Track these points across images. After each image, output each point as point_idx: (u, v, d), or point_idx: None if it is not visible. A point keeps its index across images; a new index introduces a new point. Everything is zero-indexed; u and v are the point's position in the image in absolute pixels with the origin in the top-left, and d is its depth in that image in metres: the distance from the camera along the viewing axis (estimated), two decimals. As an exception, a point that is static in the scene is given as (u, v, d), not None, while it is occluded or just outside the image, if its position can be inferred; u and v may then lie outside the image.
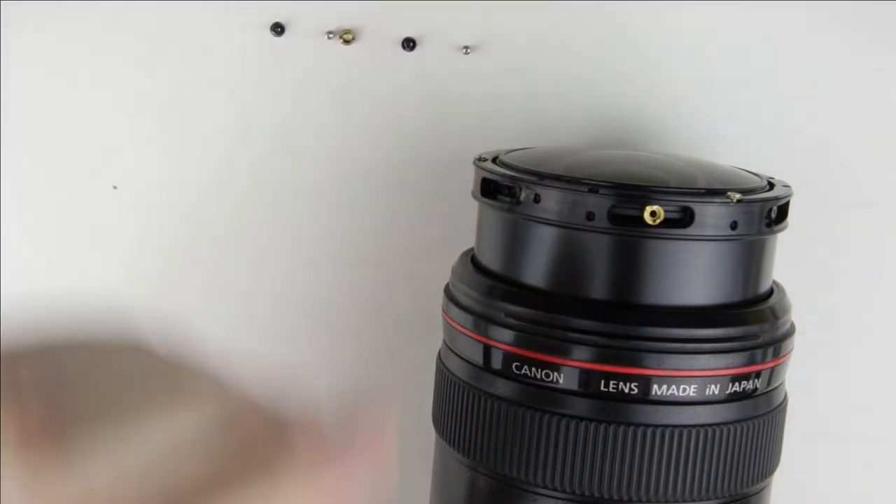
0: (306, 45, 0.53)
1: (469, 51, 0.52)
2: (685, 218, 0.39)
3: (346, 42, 0.52)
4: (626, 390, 0.39)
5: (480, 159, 0.44)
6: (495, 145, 0.50)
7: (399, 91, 0.53)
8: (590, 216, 0.39)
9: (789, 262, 0.45)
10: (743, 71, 0.52)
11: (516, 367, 0.40)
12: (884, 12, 0.51)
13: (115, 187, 0.53)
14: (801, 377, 0.44)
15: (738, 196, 0.40)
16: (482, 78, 0.53)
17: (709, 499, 0.40)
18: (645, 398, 0.39)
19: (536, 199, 0.40)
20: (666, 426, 0.39)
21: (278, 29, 0.52)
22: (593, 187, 0.39)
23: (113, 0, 0.52)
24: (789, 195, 0.43)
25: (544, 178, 0.40)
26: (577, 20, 0.52)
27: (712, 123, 0.52)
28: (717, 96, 0.52)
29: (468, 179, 0.51)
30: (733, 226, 0.40)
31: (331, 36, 0.52)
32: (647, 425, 0.39)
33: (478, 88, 0.53)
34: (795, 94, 0.52)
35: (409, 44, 0.52)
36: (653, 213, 0.38)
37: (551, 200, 0.40)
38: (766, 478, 0.42)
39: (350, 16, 0.52)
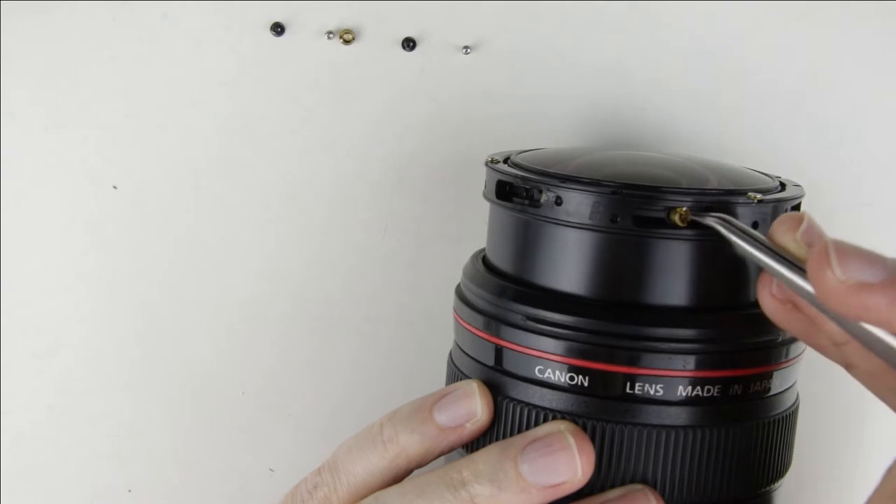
0: (306, 45, 0.52)
1: (469, 51, 0.52)
2: None
3: (346, 42, 0.52)
4: (652, 392, 0.39)
5: (493, 161, 0.44)
6: (496, 145, 0.51)
7: (399, 91, 0.53)
8: (613, 218, 0.39)
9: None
10: (743, 70, 0.52)
11: (539, 370, 0.40)
12: (885, 11, 0.51)
13: (115, 187, 0.53)
14: (801, 377, 0.44)
15: (759, 196, 0.40)
16: (482, 78, 0.53)
17: (732, 498, 0.40)
18: (670, 400, 0.39)
19: (558, 202, 0.40)
20: (691, 427, 0.39)
21: (278, 29, 0.52)
22: (617, 189, 0.39)
23: (113, 0, 0.52)
24: (802, 195, 0.43)
25: (566, 180, 0.40)
26: (577, 20, 0.52)
27: (712, 123, 0.52)
28: (717, 96, 0.52)
29: (469, 179, 0.51)
30: (754, 226, 0.40)
31: (331, 36, 0.52)
32: (673, 427, 0.39)
33: (478, 88, 0.53)
34: (796, 94, 0.52)
35: (409, 44, 0.52)
36: (681, 216, 0.38)
37: (574, 203, 0.40)
38: (783, 475, 0.43)
39: (350, 16, 0.52)
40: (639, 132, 0.52)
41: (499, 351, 0.42)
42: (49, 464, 0.55)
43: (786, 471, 0.43)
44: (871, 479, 0.54)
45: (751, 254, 0.36)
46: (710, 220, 0.38)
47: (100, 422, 0.55)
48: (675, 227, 0.39)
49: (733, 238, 0.37)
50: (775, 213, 0.41)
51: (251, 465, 0.55)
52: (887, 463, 0.51)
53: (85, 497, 0.55)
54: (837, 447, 0.54)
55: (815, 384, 0.48)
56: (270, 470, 0.55)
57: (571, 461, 0.38)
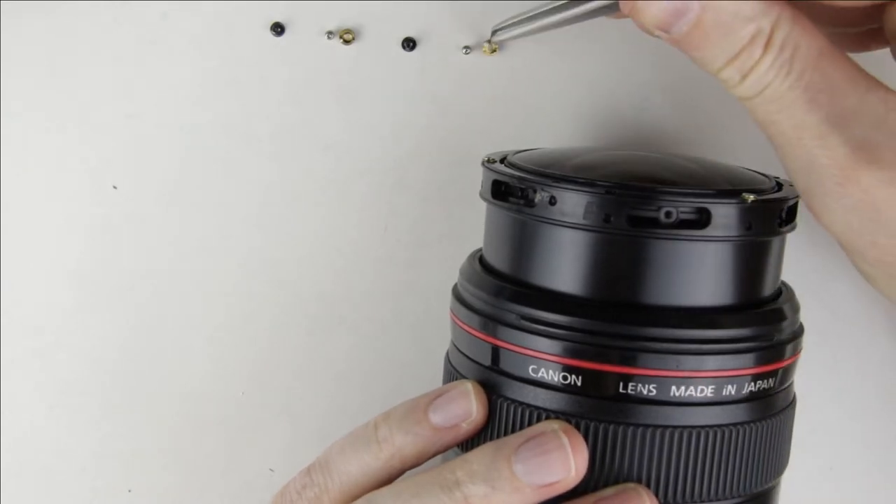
0: (306, 45, 0.52)
1: (469, 51, 0.52)
2: (702, 219, 0.39)
3: (346, 42, 0.52)
4: (645, 392, 0.39)
5: (489, 161, 0.44)
6: (496, 145, 0.51)
7: (399, 91, 0.53)
8: (607, 218, 0.39)
9: (789, 262, 0.45)
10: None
11: (532, 369, 0.40)
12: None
13: (115, 187, 0.53)
14: (800, 377, 0.44)
15: (752, 197, 0.40)
16: (482, 78, 0.52)
17: (726, 498, 0.40)
18: (663, 400, 0.39)
19: (552, 202, 0.40)
20: (684, 427, 0.39)
21: (278, 29, 0.52)
22: (610, 189, 0.39)
23: (113, 0, 0.52)
24: (798, 195, 0.43)
25: (560, 180, 0.40)
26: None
27: (712, 123, 0.52)
28: (717, 96, 0.52)
29: (469, 179, 0.51)
30: (748, 226, 0.40)
31: (331, 36, 0.52)
32: (666, 427, 0.39)
33: (478, 88, 0.53)
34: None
35: (409, 44, 0.52)
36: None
37: (567, 203, 0.40)
38: (777, 476, 0.43)
39: (350, 16, 0.52)
40: (639, 132, 0.52)
41: (495, 351, 0.42)
42: (49, 464, 0.55)
43: (782, 470, 0.43)
44: (871, 479, 0.54)
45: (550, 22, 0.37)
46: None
47: (100, 422, 0.55)
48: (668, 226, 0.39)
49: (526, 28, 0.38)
50: (772, 213, 0.41)
51: (251, 465, 0.55)
52: (876, 462, 0.51)
53: (85, 497, 0.55)
54: (835, 447, 0.54)
55: (812, 383, 0.48)
56: (270, 470, 0.55)
57: (565, 460, 0.38)
